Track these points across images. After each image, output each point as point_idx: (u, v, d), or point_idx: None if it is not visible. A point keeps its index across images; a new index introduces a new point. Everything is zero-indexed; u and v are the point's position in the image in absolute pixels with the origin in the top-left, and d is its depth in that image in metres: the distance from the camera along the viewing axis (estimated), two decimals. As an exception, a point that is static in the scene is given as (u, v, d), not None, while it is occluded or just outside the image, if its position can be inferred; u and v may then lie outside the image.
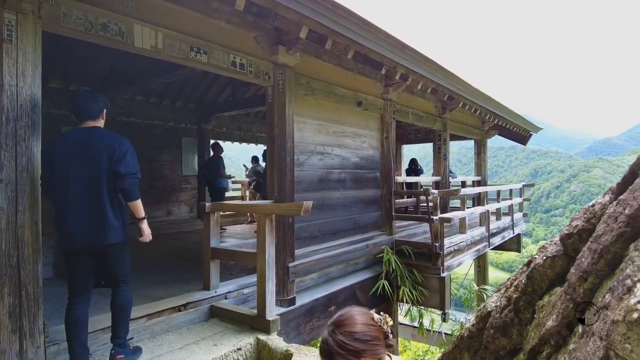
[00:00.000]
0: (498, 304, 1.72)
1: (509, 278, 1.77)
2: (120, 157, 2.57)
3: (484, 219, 7.84)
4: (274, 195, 4.38)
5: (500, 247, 9.69)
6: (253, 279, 3.95)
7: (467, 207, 7.53)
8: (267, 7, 3.52)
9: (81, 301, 2.61)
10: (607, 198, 1.31)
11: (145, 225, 2.78)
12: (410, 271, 5.77)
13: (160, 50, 3.33)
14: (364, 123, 6.00)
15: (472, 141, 11.13)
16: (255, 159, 9.49)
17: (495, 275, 28.87)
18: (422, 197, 7.85)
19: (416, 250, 5.94)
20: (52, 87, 6.48)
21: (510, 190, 9.90)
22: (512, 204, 9.62)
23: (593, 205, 1.36)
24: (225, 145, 8.50)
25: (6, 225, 2.34)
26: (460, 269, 8.84)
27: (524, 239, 13.02)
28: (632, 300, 0.90)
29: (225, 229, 7.40)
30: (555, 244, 1.49)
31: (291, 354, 2.94)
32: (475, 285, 8.74)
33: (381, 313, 1.42)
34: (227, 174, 7.55)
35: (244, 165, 10.02)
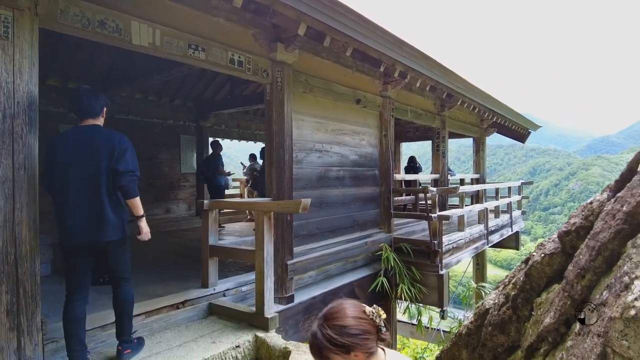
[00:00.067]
0: (496, 301, 1.72)
1: (507, 275, 1.78)
2: (120, 154, 2.59)
3: (482, 217, 7.85)
4: (273, 193, 4.37)
5: (499, 245, 9.70)
6: (251, 276, 3.95)
7: (466, 205, 7.54)
8: (265, 4, 3.51)
9: (79, 298, 2.62)
10: (605, 195, 1.32)
11: (143, 223, 2.79)
12: (409, 269, 5.78)
13: (158, 47, 3.32)
14: (362, 121, 5.99)
15: (471, 139, 11.14)
16: (252, 157, 9.48)
17: (493, 272, 28.93)
18: (421, 195, 7.86)
19: (415, 247, 5.95)
20: (51, 84, 6.46)
21: (509, 188, 9.91)
22: (510, 202, 9.62)
23: (591, 203, 1.36)
24: (224, 142, 8.49)
25: (3, 223, 2.33)
26: (458, 267, 8.86)
27: (523, 237, 13.04)
28: (630, 297, 0.90)
29: (223, 226, 7.40)
30: (553, 241, 1.49)
31: (289, 351, 2.94)
32: (474, 283, 8.76)
33: (374, 306, 1.38)
34: (227, 170, 7.54)
35: (242, 163, 10.00)
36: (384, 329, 1.33)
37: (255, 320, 3.44)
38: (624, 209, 1.08)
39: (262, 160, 7.92)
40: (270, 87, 4.37)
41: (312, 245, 4.92)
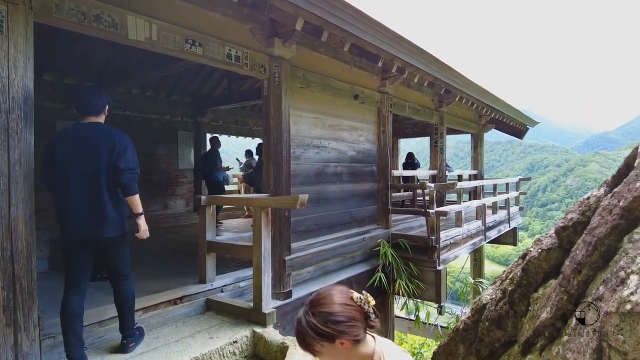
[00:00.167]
0: (493, 296, 1.72)
1: (505, 271, 1.78)
2: (120, 152, 2.62)
3: (480, 213, 7.87)
4: (270, 189, 4.37)
5: (497, 241, 9.73)
6: (249, 272, 3.95)
7: (464, 201, 7.55)
8: (263, -1, 3.49)
9: (77, 293, 2.64)
10: (602, 191, 1.31)
11: (142, 221, 2.81)
12: (407, 264, 5.79)
13: (154, 42, 3.29)
14: (360, 116, 5.98)
15: (469, 135, 11.14)
16: (249, 153, 9.45)
17: (491, 268, 29.04)
18: (419, 191, 7.87)
19: (412, 243, 5.96)
20: (47, 80, 6.42)
21: (507, 184, 9.93)
22: (508, 198, 9.65)
23: (588, 198, 1.35)
24: (222, 138, 8.46)
25: (-1, 219, 2.32)
26: (456, 263, 8.89)
27: (520, 233, 13.09)
28: (625, 292, 0.90)
29: (221, 222, 7.39)
30: (550, 236, 1.49)
31: (287, 347, 2.94)
32: (471, 279, 8.80)
33: (363, 292, 1.34)
34: (225, 166, 7.53)
35: (237, 160, 9.98)
36: (372, 316, 1.30)
37: (252, 316, 3.44)
38: (621, 204, 1.08)
39: (257, 156, 7.92)
40: (267, 83, 4.36)
41: (310, 241, 4.92)
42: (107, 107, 2.82)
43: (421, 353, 8.19)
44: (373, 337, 1.34)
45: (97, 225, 2.59)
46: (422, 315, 6.32)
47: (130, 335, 2.85)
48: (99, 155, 2.58)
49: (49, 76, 6.47)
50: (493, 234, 8.63)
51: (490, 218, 8.44)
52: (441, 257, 5.85)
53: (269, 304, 3.52)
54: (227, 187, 8.60)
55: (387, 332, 6.17)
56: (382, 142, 6.34)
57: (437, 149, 8.73)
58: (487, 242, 8.60)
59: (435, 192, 6.07)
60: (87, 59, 6.47)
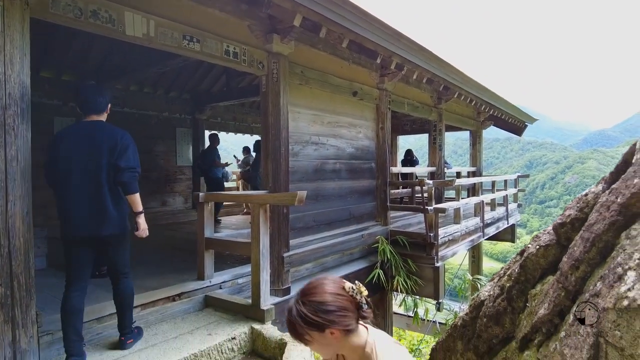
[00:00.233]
0: (491, 293, 1.73)
1: (503, 267, 1.78)
2: (122, 151, 2.65)
3: (478, 210, 7.87)
4: (269, 186, 4.36)
5: (495, 238, 9.75)
6: (248, 269, 3.95)
7: (462, 198, 7.56)
8: (261, -5, 3.48)
9: (78, 289, 2.66)
10: (600, 187, 1.31)
11: (142, 220, 2.83)
12: (405, 261, 5.80)
13: (152, 38, 3.28)
14: (359, 113, 5.97)
15: (468, 132, 11.13)
16: (246, 150, 9.43)
17: (489, 265, 29.12)
18: (417, 188, 7.87)
19: (411, 240, 5.97)
20: (44, 76, 6.38)
21: (505, 181, 9.94)
22: (506, 195, 9.66)
23: (586, 195, 1.36)
24: (220, 135, 8.43)
25: (-4, 216, 2.31)
26: (454, 259, 8.91)
27: (519, 230, 13.12)
28: (623, 288, 0.90)
29: (220, 219, 7.38)
30: (548, 233, 1.50)
31: (285, 343, 2.95)
32: (470, 275, 8.81)
33: (356, 282, 1.32)
34: (223, 162, 7.52)
35: (234, 156, 9.95)
36: (365, 306, 1.28)
37: (251, 312, 3.45)
38: (619, 200, 1.08)
39: (255, 153, 7.91)
40: (266, 79, 4.34)
41: (309, 237, 4.92)
42: (109, 105, 2.85)
43: (419, 349, 8.22)
44: (366, 327, 1.33)
45: (98, 222, 2.62)
46: (421, 312, 6.34)
47: (129, 333, 2.86)
48: (100, 153, 2.61)
49: (47, 73, 6.43)
50: (491, 230, 8.64)
51: (488, 215, 8.45)
52: (439, 253, 5.85)
53: (268, 301, 3.52)
54: (226, 185, 8.58)
55: (385, 328, 6.19)
56: (380, 139, 6.33)
57: (435, 146, 8.73)
58: (485, 239, 8.62)
59: (433, 189, 6.08)
60: (84, 55, 6.44)
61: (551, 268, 1.44)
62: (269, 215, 3.65)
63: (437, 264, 5.77)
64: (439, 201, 7.68)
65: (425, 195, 6.02)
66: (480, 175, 10.85)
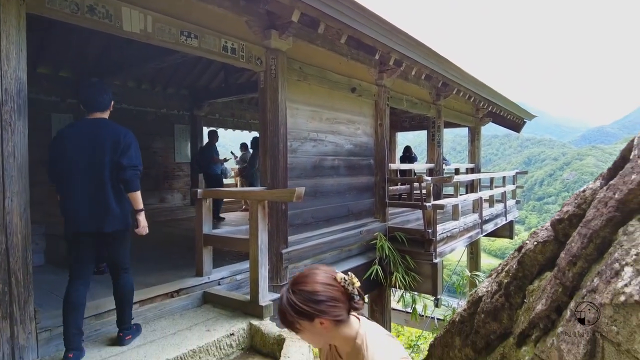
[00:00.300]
0: (489, 289, 1.73)
1: (501, 263, 1.78)
2: (125, 149, 2.68)
3: (477, 206, 7.88)
4: (267, 182, 4.36)
5: (493, 234, 9.77)
6: (246, 265, 3.95)
7: (460, 194, 7.56)
8: (259, -10, 3.46)
9: (81, 284, 2.69)
10: (597, 183, 1.31)
11: (142, 217, 2.85)
12: (403, 257, 5.81)
13: (149, 34, 3.26)
14: (357, 110, 5.96)
15: (467, 129, 11.14)
16: (244, 146, 9.41)
17: (487, 262, 29.21)
18: (416, 184, 7.88)
19: (409, 236, 5.97)
20: (42, 73, 6.36)
21: (504, 178, 9.95)
22: (505, 192, 9.67)
23: (584, 191, 1.36)
24: (219, 132, 8.42)
25: (-6, 212, 2.31)
26: (453, 256, 8.93)
27: (517, 226, 13.14)
28: (620, 284, 0.90)
29: (223, 217, 7.37)
30: (546, 229, 1.50)
31: (284, 339, 2.95)
32: (468, 272, 8.84)
33: (349, 273, 1.31)
34: (222, 157, 7.50)
35: (232, 153, 9.93)
36: (357, 297, 1.27)
37: (249, 309, 3.45)
38: (616, 196, 1.08)
39: (252, 150, 7.90)
40: (264, 75, 4.33)
41: (307, 234, 4.92)
42: (112, 102, 2.87)
43: (418, 345, 8.25)
44: (358, 319, 1.32)
45: (101, 219, 2.65)
46: (419, 308, 6.34)
47: (128, 329, 2.87)
48: (103, 151, 2.64)
49: (44, 69, 6.41)
50: (490, 227, 8.66)
51: (487, 211, 8.46)
52: (438, 250, 5.86)
53: (266, 297, 3.52)
54: (225, 181, 8.57)
55: (384, 324, 6.21)
56: (379, 136, 6.32)
57: (434, 143, 8.73)
58: (483, 235, 8.64)
59: (432, 185, 6.08)
60: (82, 51, 6.41)
61: (549, 264, 1.44)
62: (268, 212, 3.64)
63: (435, 260, 5.78)
64: (437, 198, 7.68)
65: (424, 191, 6.02)
66: (479, 171, 10.86)
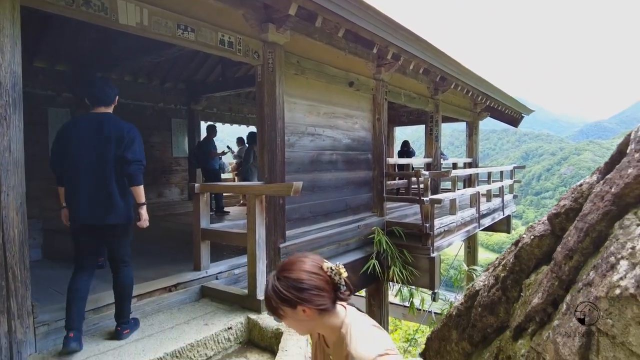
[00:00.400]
0: (486, 282, 1.74)
1: (498, 257, 1.79)
2: (129, 143, 2.74)
3: (474, 201, 7.90)
4: (265, 176, 4.35)
5: (491, 229, 9.80)
6: (244, 259, 3.95)
7: (458, 189, 7.57)
8: (256, -17, 3.43)
9: (86, 273, 2.77)
10: (594, 177, 1.31)
11: (144, 211, 2.91)
12: (401, 251, 5.82)
13: (146, 27, 3.24)
14: (355, 104, 5.95)
15: (464, 124, 11.13)
16: (241, 141, 9.37)
17: (485, 256, 29.30)
18: (414, 179, 7.88)
19: (407, 231, 5.98)
20: (38, 66, 6.31)
21: (501, 172, 9.96)
22: (502, 186, 9.69)
23: (581, 185, 1.36)
24: (216, 126, 8.39)
25: (-10, 207, 2.30)
26: (450, 250, 8.96)
27: (514, 221, 13.18)
28: (615, 277, 0.90)
29: (228, 212, 7.36)
30: (543, 223, 1.50)
31: (281, 333, 2.97)
32: (465, 266, 8.88)
33: (337, 263, 1.31)
34: (220, 151, 7.49)
35: (228, 147, 9.89)
36: (343, 288, 1.26)
37: (247, 303, 3.46)
38: (612, 190, 1.08)
39: (248, 145, 7.88)
40: (261, 69, 4.31)
41: (305, 228, 4.93)
42: (117, 97, 2.91)
43: (415, 339, 8.31)
44: (345, 308, 1.32)
45: (104, 211, 2.70)
46: (416, 302, 6.38)
47: (126, 323, 2.89)
48: (108, 145, 2.68)
49: (40, 63, 6.36)
50: (487, 221, 8.68)
51: (484, 206, 8.48)
52: (435, 244, 5.88)
53: (264, 291, 3.53)
54: (223, 176, 8.55)
55: (381, 318, 6.24)
56: (377, 130, 6.32)
57: (432, 137, 8.73)
58: (481, 230, 8.67)
59: (430, 180, 6.08)
60: (78, 45, 6.35)
61: (545, 258, 1.45)
62: (265, 206, 3.64)
63: (432, 255, 5.79)
64: (435, 192, 7.70)
65: (422, 186, 6.03)
66: (477, 166, 10.87)
